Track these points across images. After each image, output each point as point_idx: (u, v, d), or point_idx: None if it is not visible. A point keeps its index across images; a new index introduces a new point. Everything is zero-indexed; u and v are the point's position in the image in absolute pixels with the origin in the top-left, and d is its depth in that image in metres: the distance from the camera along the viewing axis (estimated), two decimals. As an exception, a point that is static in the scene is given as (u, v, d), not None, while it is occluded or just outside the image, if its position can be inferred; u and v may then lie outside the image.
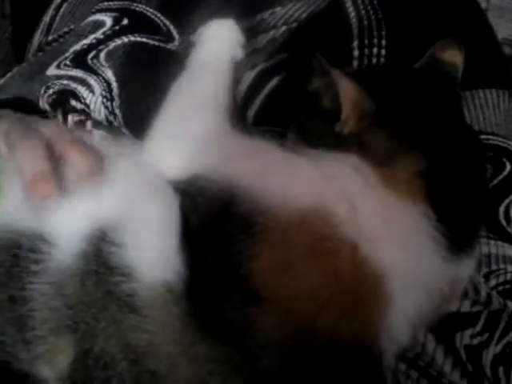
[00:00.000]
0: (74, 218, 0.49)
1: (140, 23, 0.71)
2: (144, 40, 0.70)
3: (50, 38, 0.75)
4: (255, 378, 0.45)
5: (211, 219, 0.49)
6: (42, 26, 0.77)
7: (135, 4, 0.73)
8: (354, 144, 0.51)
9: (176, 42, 0.70)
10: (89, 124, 0.69)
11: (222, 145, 0.54)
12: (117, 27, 0.71)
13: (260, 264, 0.45)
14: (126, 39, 0.70)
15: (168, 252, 0.47)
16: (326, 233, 0.46)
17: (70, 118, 0.70)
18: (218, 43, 0.64)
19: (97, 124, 0.69)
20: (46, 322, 0.46)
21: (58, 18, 0.76)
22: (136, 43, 0.70)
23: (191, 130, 0.55)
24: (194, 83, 0.59)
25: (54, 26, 0.76)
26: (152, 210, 0.50)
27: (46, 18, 0.77)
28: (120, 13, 0.72)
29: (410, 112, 0.53)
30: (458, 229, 0.50)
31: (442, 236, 0.49)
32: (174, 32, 0.71)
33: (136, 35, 0.70)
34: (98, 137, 0.68)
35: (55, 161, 0.52)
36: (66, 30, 0.75)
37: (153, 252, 0.47)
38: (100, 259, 0.47)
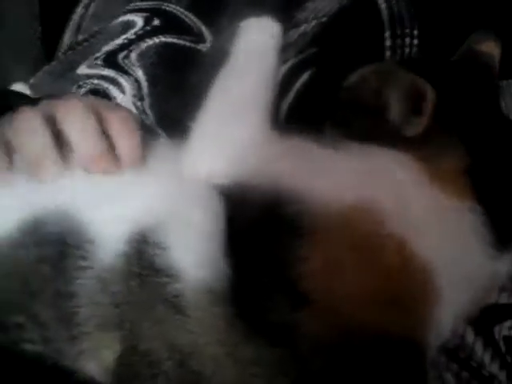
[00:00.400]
0: (115, 217, 0.49)
1: (171, 23, 0.72)
2: (175, 41, 0.70)
3: (81, 37, 0.76)
4: (303, 380, 0.45)
5: (257, 222, 0.49)
6: (72, 25, 0.78)
7: (166, 4, 0.73)
8: (406, 141, 0.50)
9: (208, 43, 0.70)
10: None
11: (265, 147, 0.53)
12: (148, 27, 0.71)
13: (310, 266, 0.45)
14: (157, 40, 0.70)
15: (211, 253, 0.47)
16: (373, 228, 0.46)
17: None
18: (259, 41, 0.62)
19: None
20: (92, 317, 0.47)
21: (87, 17, 0.77)
22: (167, 44, 0.70)
23: (233, 133, 0.54)
24: (235, 83, 0.58)
25: (84, 25, 0.77)
26: (195, 212, 0.50)
27: (76, 17, 0.78)
28: (151, 13, 0.72)
29: (455, 106, 0.52)
30: (500, 224, 0.50)
31: (486, 232, 0.49)
32: (206, 32, 0.71)
33: (167, 36, 0.70)
34: None
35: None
36: (96, 29, 0.75)
37: (196, 253, 0.47)
38: (143, 262, 0.47)
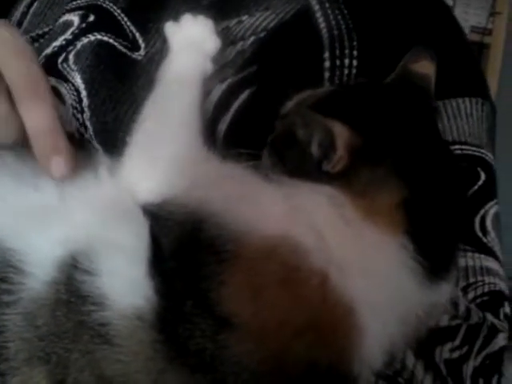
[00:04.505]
0: (46, 242, 0.49)
1: (106, 21, 0.71)
2: (111, 41, 0.70)
3: None
4: None
5: (181, 244, 0.49)
6: (12, 21, 0.75)
7: (102, 0, 0.71)
8: (334, 177, 0.51)
9: (142, 51, 0.70)
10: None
11: (194, 168, 0.54)
12: (83, 25, 0.71)
13: (230, 290, 0.46)
14: (92, 37, 0.69)
15: (138, 277, 0.47)
16: (295, 262, 0.47)
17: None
18: (190, 51, 0.63)
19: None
20: (19, 352, 0.46)
21: (28, 17, 0.75)
22: (103, 43, 0.69)
23: (164, 153, 0.55)
24: (167, 101, 0.59)
25: (25, 24, 0.75)
26: (122, 234, 0.50)
27: (17, 14, 0.76)
28: (86, 9, 0.72)
29: (389, 138, 0.53)
30: (436, 256, 0.51)
31: (419, 265, 0.49)
32: (140, 40, 0.71)
33: (103, 34, 0.70)
34: None
35: None
36: (39, 32, 0.74)
37: (123, 278, 0.48)
38: (71, 288, 0.47)
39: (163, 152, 0.55)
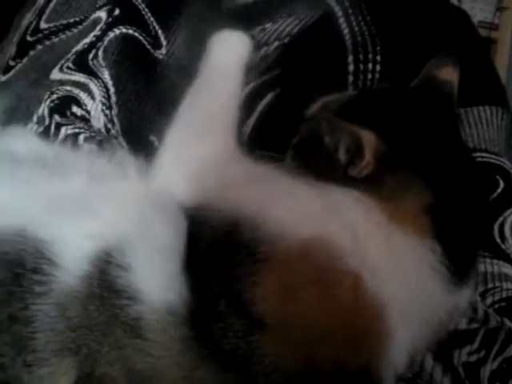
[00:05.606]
0: (80, 237, 0.49)
1: (131, 15, 0.72)
2: (136, 35, 0.71)
3: (45, 25, 0.75)
4: None
5: (215, 244, 0.50)
6: (35, 8, 0.76)
7: None
8: (360, 181, 0.52)
9: (163, 50, 0.70)
10: (81, 138, 0.69)
11: (227, 169, 0.56)
12: (110, 19, 0.72)
13: (263, 291, 0.47)
14: (117, 31, 0.71)
15: (172, 274, 0.48)
16: (328, 264, 0.48)
17: (62, 130, 0.69)
18: (228, 55, 0.65)
19: (89, 138, 0.68)
20: (48, 343, 0.47)
21: (51, 4, 0.75)
22: (128, 36, 0.70)
23: (200, 154, 0.56)
24: (206, 94, 0.61)
25: (48, 11, 0.76)
26: (159, 232, 0.51)
27: (40, 1, 0.76)
28: (112, 4, 0.73)
29: (414, 144, 0.54)
30: (459, 260, 0.52)
31: (445, 268, 0.50)
32: (162, 37, 0.71)
33: (128, 27, 0.71)
34: (88, 152, 0.67)
35: None
36: (63, 22, 0.74)
37: (157, 273, 0.48)
38: (105, 283, 0.48)
39: (197, 152, 0.56)
